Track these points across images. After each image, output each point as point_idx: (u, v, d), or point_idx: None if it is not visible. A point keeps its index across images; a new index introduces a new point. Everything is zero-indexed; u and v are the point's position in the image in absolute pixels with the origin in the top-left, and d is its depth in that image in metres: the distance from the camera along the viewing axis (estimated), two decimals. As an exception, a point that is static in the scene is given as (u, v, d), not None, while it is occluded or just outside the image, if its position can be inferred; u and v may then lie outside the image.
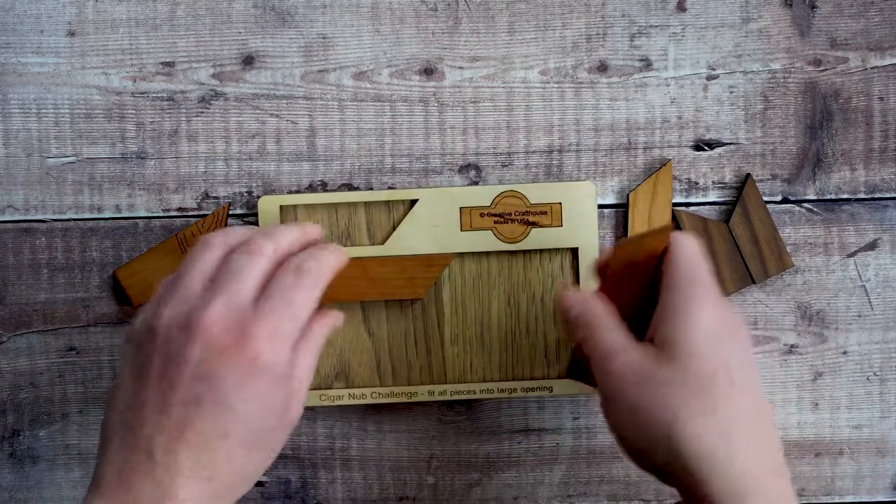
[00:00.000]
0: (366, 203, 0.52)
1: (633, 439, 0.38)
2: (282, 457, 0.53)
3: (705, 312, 0.37)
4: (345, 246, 0.52)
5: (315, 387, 0.52)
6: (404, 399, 0.52)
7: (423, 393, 0.52)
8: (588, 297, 0.41)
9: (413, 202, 0.52)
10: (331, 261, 0.40)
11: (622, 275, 0.42)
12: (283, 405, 0.36)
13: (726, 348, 0.37)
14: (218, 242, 0.38)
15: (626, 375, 0.37)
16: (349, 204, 0.52)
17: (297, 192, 0.53)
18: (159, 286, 0.38)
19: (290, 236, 0.40)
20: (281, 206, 0.52)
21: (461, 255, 0.52)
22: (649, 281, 0.42)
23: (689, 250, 0.39)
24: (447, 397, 0.52)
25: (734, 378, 0.36)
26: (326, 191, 0.53)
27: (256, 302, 0.37)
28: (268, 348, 0.35)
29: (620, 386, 0.37)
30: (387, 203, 0.52)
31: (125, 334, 0.37)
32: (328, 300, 0.51)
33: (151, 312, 0.36)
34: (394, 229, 0.52)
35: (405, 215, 0.52)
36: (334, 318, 0.42)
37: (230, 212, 0.53)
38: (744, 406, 0.36)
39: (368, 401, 0.52)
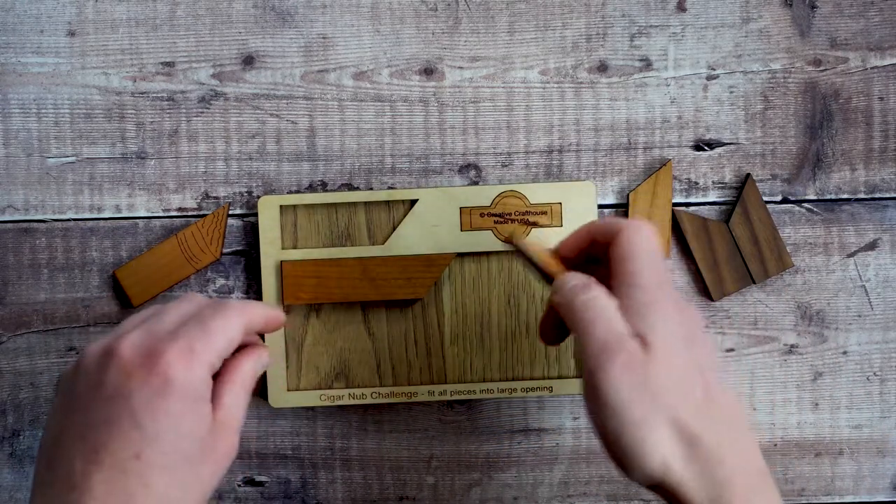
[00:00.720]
0: (366, 203, 0.52)
1: (617, 441, 0.35)
2: (282, 457, 0.53)
3: (674, 313, 0.36)
4: (344, 246, 0.52)
5: (315, 387, 0.52)
6: (404, 399, 0.52)
7: (423, 393, 0.52)
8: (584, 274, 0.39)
9: (413, 202, 0.52)
10: (260, 308, 0.40)
11: None
12: (204, 432, 0.36)
13: (698, 349, 0.37)
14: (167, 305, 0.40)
15: (627, 372, 0.35)
16: (349, 204, 0.52)
17: (297, 192, 0.53)
18: None
19: (239, 305, 0.40)
20: (281, 206, 0.51)
21: (461, 255, 0.52)
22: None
23: (647, 245, 0.38)
24: (447, 397, 0.52)
25: (709, 380, 0.36)
26: (326, 191, 0.53)
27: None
28: (177, 367, 0.35)
29: (619, 381, 0.35)
30: (387, 203, 0.52)
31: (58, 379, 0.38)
32: (329, 301, 0.51)
33: (82, 352, 0.38)
34: (394, 229, 0.52)
35: (405, 215, 0.52)
36: (261, 355, 0.41)
37: (230, 212, 0.53)
38: (723, 406, 0.36)
39: (368, 401, 0.52)
